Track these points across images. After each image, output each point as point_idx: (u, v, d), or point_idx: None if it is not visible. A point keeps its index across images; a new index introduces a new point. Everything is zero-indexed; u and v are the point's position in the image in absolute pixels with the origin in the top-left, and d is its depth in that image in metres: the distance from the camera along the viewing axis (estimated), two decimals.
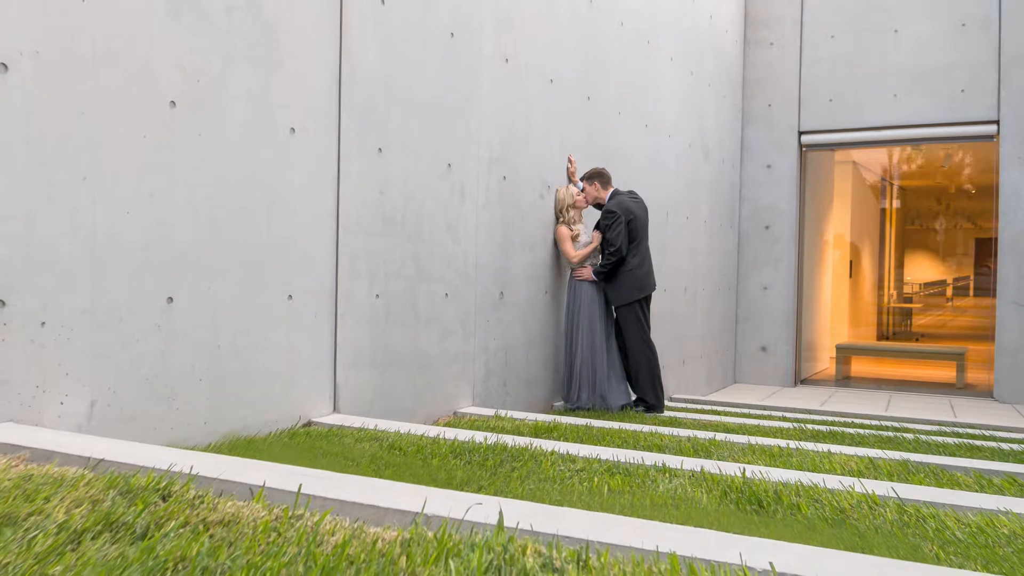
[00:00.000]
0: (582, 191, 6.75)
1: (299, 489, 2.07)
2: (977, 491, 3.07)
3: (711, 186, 10.35)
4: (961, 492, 2.90)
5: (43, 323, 3.25)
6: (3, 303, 3.11)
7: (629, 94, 8.13)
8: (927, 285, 24.33)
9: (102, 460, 2.39)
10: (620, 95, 7.95)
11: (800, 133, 11.14)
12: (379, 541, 1.73)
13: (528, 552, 1.65)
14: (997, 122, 9.91)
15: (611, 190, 6.78)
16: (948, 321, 22.51)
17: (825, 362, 13.54)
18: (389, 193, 5.06)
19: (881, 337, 18.52)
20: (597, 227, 6.76)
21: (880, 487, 2.87)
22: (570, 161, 6.89)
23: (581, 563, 1.62)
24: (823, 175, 13.23)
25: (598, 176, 6.76)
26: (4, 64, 3.12)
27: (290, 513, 1.91)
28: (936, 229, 23.58)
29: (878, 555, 1.93)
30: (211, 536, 1.76)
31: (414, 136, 5.27)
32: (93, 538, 1.72)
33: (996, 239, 9.99)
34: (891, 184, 19.00)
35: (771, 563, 1.64)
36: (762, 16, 11.32)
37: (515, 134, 6.30)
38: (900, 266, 21.38)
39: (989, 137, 10.07)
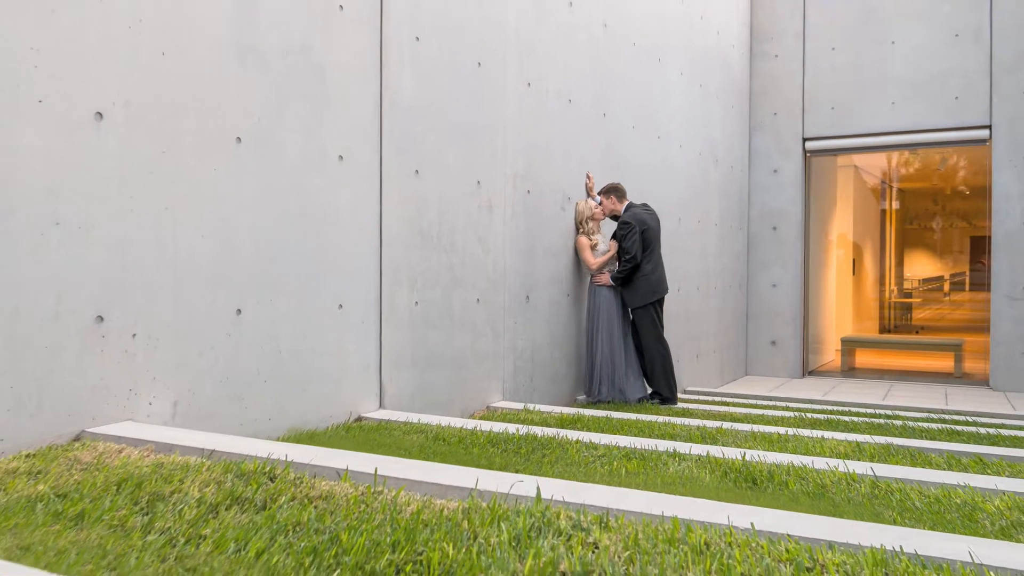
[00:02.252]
0: (600, 204, 7.05)
1: (375, 471, 2.44)
2: (945, 469, 3.38)
3: (721, 191, 10.58)
4: (929, 470, 3.20)
5: (134, 335, 3.61)
6: (101, 318, 3.47)
7: (642, 109, 8.40)
8: (925, 281, 24.34)
9: (214, 451, 2.76)
10: (633, 110, 8.21)
11: (804, 140, 11.33)
12: (445, 509, 2.10)
13: (561, 517, 2.02)
14: (989, 127, 10.09)
15: (626, 203, 7.08)
16: (946, 314, 22.52)
17: (831, 354, 13.67)
18: (425, 210, 5.39)
19: (883, 330, 18.62)
20: (614, 237, 7.04)
21: (860, 467, 3.17)
22: (588, 177, 7.18)
23: (603, 524, 1.97)
24: (826, 179, 13.40)
25: (614, 190, 7.05)
26: (100, 113, 3.48)
27: (372, 489, 2.27)
28: (933, 228, 23.60)
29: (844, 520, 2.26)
30: (315, 507, 2.13)
31: (447, 157, 5.58)
32: (226, 509, 2.10)
33: (989, 237, 10.17)
34: (890, 186, 19.04)
35: (752, 523, 1.98)
36: (766, 30, 11.51)
37: (537, 151, 6.59)
38: (900, 263, 21.43)
39: (982, 141, 10.24)
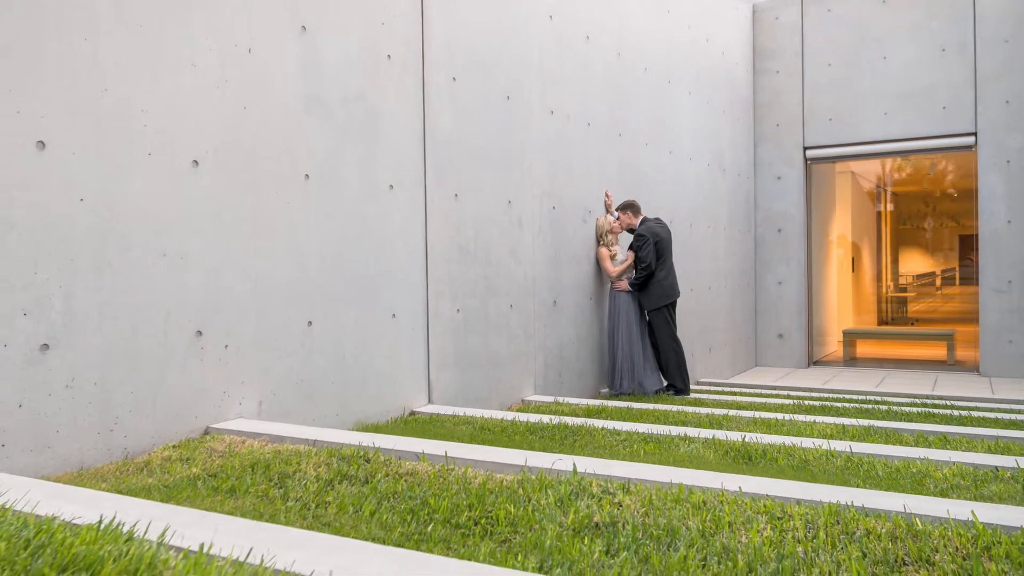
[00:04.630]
0: (617, 219, 7.40)
1: (446, 454, 2.87)
2: (912, 446, 3.75)
3: (729, 198, 10.86)
4: (898, 447, 3.55)
5: (226, 346, 4.04)
6: (200, 333, 3.91)
7: (654, 127, 8.71)
8: (919, 276, 24.45)
9: (316, 440, 3.21)
10: (646, 129, 8.53)
11: (805, 148, 11.54)
12: (504, 481, 2.54)
13: (593, 485, 2.45)
14: (975, 134, 10.28)
15: (641, 217, 7.42)
16: (938, 307, 22.61)
17: (834, 345, 13.84)
18: (464, 229, 5.78)
19: (881, 322, 18.70)
20: (630, 248, 7.38)
21: (841, 445, 3.54)
22: (607, 195, 7.52)
23: (625, 490, 2.40)
24: (826, 184, 13.56)
25: (630, 207, 7.41)
26: (196, 161, 3.91)
27: (446, 467, 2.71)
28: (925, 228, 23.77)
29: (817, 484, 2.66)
30: (405, 481, 2.57)
31: (481, 181, 5.97)
32: (338, 483, 2.55)
33: (976, 235, 10.35)
34: (885, 190, 19.12)
35: (739, 487, 2.38)
36: (768, 48, 11.73)
37: (560, 171, 6.96)
38: (895, 261, 21.54)
39: (968, 147, 10.43)
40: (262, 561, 1.50)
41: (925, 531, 1.99)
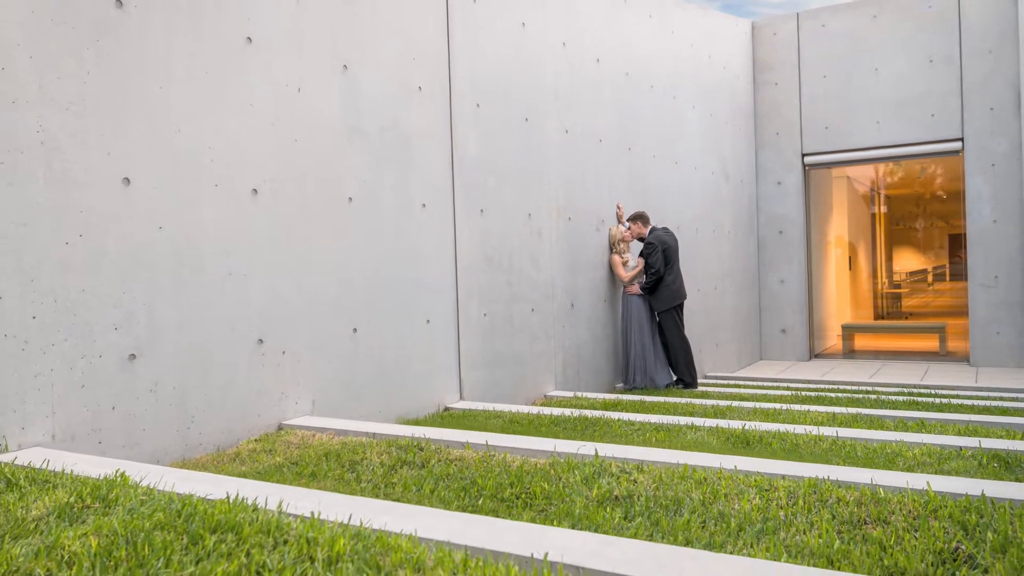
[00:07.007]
0: (628, 229, 7.73)
1: (487, 443, 3.23)
2: (892, 430, 4.06)
3: (732, 203, 11.14)
4: (879, 431, 3.86)
5: (283, 352, 4.41)
6: (261, 341, 4.27)
7: (661, 140, 9.03)
8: (912, 273, 24.64)
9: (375, 433, 3.57)
10: (654, 142, 8.85)
11: (803, 155, 11.80)
12: (537, 464, 2.89)
13: (612, 466, 2.79)
14: (961, 139, 10.51)
15: (650, 227, 7.72)
16: (930, 302, 22.75)
17: (833, 339, 14.06)
18: (489, 241, 6.12)
19: (877, 316, 18.95)
20: (641, 255, 7.69)
21: (829, 431, 3.86)
22: (618, 207, 7.85)
23: (639, 469, 2.74)
24: (823, 188, 13.82)
25: (640, 217, 7.72)
26: (255, 189, 4.28)
27: (488, 454, 3.06)
28: (917, 228, 23.93)
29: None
30: (455, 465, 2.93)
31: (504, 197, 6.31)
32: (400, 468, 2.91)
33: (965, 234, 10.59)
34: (878, 193, 19.40)
35: (735, 466, 2.73)
36: (767, 62, 11.97)
37: (575, 185, 7.29)
38: (889, 259, 21.69)
39: (955, 152, 10.67)
40: (361, 523, 1.86)
41: (886, 498, 2.33)
